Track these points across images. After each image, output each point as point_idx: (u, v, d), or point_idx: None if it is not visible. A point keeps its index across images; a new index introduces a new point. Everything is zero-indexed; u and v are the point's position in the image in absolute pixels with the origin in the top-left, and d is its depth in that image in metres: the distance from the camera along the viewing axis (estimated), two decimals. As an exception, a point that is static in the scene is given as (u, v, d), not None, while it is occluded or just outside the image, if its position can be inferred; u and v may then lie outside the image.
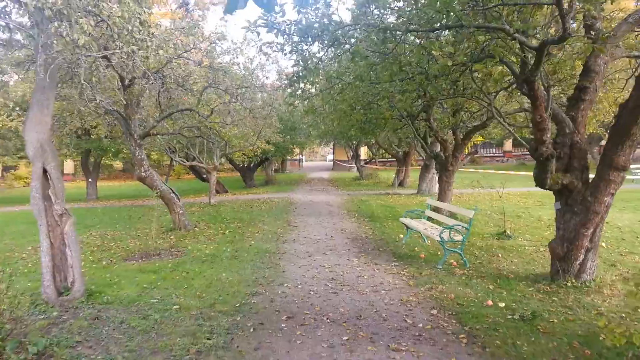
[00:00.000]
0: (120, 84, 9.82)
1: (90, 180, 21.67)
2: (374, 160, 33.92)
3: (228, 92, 10.35)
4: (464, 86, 7.92)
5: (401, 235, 9.56)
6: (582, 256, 5.75)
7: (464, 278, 6.46)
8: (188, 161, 16.75)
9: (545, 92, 5.59)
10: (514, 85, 6.10)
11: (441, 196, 11.27)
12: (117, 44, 5.58)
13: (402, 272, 6.87)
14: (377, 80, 7.82)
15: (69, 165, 41.18)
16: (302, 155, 52.98)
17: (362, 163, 31.09)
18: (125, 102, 10.10)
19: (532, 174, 6.14)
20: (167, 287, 6.26)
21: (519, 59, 5.31)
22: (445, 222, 8.44)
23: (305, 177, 33.67)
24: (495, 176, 24.38)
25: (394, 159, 43.11)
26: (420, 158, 23.35)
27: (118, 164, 43.59)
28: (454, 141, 10.88)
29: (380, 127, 12.89)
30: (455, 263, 7.26)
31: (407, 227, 9.06)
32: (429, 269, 7.00)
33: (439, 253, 7.94)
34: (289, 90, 7.57)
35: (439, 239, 7.23)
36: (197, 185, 26.55)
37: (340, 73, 8.67)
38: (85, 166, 22.01)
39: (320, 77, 8.96)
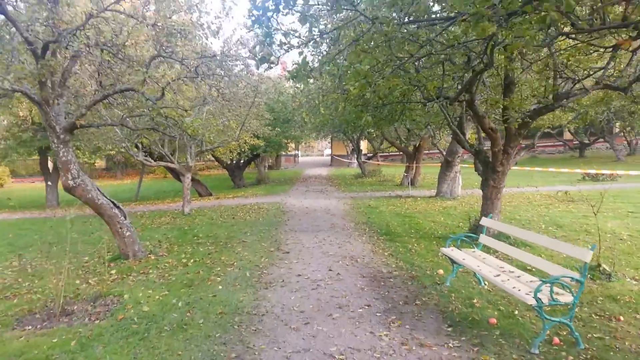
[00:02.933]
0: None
1: (49, 183, 18.48)
2: (376, 155, 30.85)
3: (184, 64, 7.20)
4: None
5: (441, 271, 6.49)
6: None
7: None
8: (154, 160, 13.62)
9: None
10: None
11: (486, 207, 8.20)
12: None
13: (472, 366, 3.83)
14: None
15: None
16: (298, 151, 49.85)
17: (363, 158, 27.97)
18: (39, 80, 7.00)
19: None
20: None
21: None
22: (514, 257, 5.40)
23: (302, 175, 30.55)
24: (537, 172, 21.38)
25: (397, 154, 40.35)
26: (436, 151, 20.31)
27: (99, 163, 40.23)
28: (505, 131, 7.79)
29: (398, 116, 9.82)
30: (558, 340, 4.20)
31: (453, 262, 5.99)
32: (515, 354, 3.96)
33: (518, 313, 4.89)
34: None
35: (528, 297, 4.16)
36: (180, 186, 23.28)
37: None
38: (43, 167, 18.83)
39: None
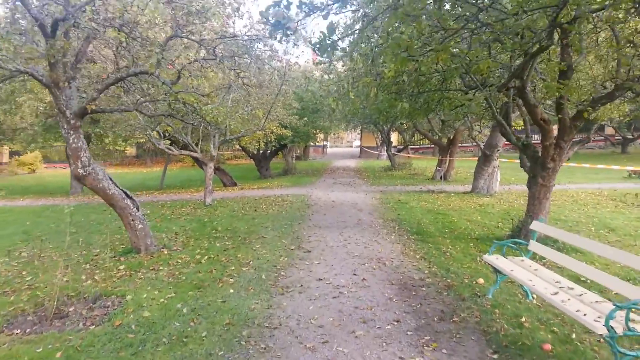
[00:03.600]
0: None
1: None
2: (407, 147, 29.84)
3: (203, 45, 6.57)
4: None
5: (481, 280, 5.71)
6: None
7: None
8: (178, 148, 13.16)
9: None
10: None
11: (533, 208, 7.33)
12: None
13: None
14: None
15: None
16: (327, 142, 49.12)
17: (393, 150, 27.01)
18: (48, 61, 6.55)
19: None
20: None
21: None
22: (565, 266, 4.58)
23: (329, 166, 29.85)
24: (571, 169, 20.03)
25: (429, 146, 39.06)
26: (470, 144, 19.23)
27: (130, 150, 40.42)
28: (558, 123, 6.86)
29: (435, 105, 8.98)
30: (633, 380, 3.40)
31: (497, 272, 5.20)
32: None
33: (575, 337, 4.09)
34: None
35: (597, 325, 3.37)
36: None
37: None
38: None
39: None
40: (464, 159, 26.37)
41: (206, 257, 7.25)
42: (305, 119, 17.70)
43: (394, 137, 34.57)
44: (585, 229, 8.52)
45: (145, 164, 40.97)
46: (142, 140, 15.70)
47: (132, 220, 7.60)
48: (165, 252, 7.71)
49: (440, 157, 18.86)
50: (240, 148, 23.06)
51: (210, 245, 8.12)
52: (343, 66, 9.30)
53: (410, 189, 15.95)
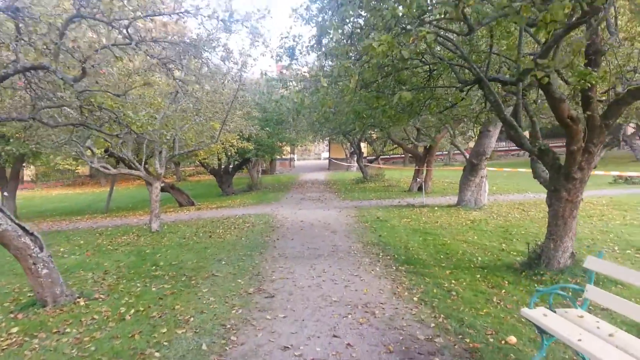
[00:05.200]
0: None
1: (5, 194, 15.94)
2: (378, 158, 28.44)
3: (115, 26, 4.76)
4: None
5: (512, 339, 4.07)
6: None
7: None
8: (116, 166, 11.15)
9: None
10: None
11: (557, 230, 5.79)
12: None
13: None
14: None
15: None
16: (294, 154, 47.38)
17: (365, 162, 25.51)
18: None
19: None
20: None
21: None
22: (619, 312, 3.01)
23: (297, 180, 28.08)
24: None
25: (399, 156, 37.92)
26: (441, 153, 17.94)
27: (81, 169, 37.40)
28: (586, 122, 5.36)
29: (420, 107, 7.41)
30: None
31: (542, 332, 3.55)
32: None
33: None
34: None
35: None
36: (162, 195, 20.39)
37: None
38: (0, 176, 16.30)
39: None
40: (437, 169, 25.14)
41: (133, 311, 5.36)
42: (268, 129, 15.93)
43: (363, 148, 33.21)
44: (608, 249, 7.08)
45: (100, 183, 38.11)
46: (68, 159, 13.55)
47: (34, 264, 5.65)
48: (82, 303, 5.79)
49: (416, 167, 17.41)
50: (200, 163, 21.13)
51: (143, 290, 6.23)
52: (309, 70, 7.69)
53: (388, 203, 14.36)
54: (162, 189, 16.95)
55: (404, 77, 6.09)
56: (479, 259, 6.99)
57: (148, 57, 5.65)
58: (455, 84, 6.84)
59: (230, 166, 21.63)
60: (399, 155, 37.34)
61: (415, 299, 5.33)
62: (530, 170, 6.58)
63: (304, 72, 7.78)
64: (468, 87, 6.64)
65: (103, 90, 5.26)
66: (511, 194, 15.20)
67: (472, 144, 22.93)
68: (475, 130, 11.26)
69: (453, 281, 5.92)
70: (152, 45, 6.51)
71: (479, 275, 6.13)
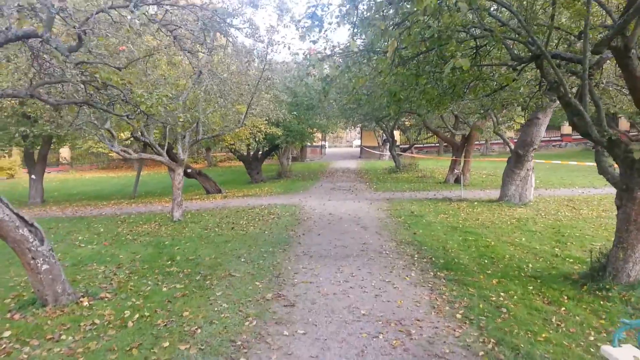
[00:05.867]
0: None
1: (33, 177, 15.89)
2: (412, 147, 27.38)
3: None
4: None
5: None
6: None
7: None
8: (139, 151, 10.70)
9: None
10: None
11: (627, 237, 4.88)
12: None
13: None
14: None
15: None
16: (325, 142, 46.60)
17: (398, 150, 24.49)
18: None
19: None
20: None
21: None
22: None
23: (328, 168, 27.35)
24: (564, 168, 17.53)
25: (434, 145, 36.58)
26: (496, 141, 16.85)
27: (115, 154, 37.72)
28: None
29: (464, 90, 6.53)
30: None
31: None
32: None
33: None
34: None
35: None
36: (190, 180, 19.90)
37: None
38: (28, 158, 16.24)
39: None
40: (474, 159, 23.91)
41: (137, 316, 4.80)
42: (295, 113, 15.19)
43: (397, 136, 32.14)
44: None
45: (133, 167, 38.45)
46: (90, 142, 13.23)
47: (33, 258, 5.16)
48: (85, 304, 5.28)
49: (454, 158, 16.37)
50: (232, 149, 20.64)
51: (153, 290, 5.67)
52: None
53: (422, 195, 13.47)
54: (189, 175, 16.62)
55: (450, 51, 5.24)
56: (530, 265, 6.11)
57: (151, 23, 4.94)
58: (507, 62, 5.93)
59: (260, 152, 21.09)
60: (434, 145, 36.04)
61: (458, 315, 4.55)
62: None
63: (334, 48, 7.00)
64: (523, 66, 5.74)
65: (100, 62, 4.64)
66: (557, 188, 14.05)
67: (509, 134, 21.63)
68: (525, 116, 10.17)
69: (502, 293, 5.10)
70: (160, 13, 5.89)
71: (531, 287, 5.28)
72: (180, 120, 7.09)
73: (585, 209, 10.05)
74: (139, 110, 5.64)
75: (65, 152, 35.71)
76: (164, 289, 5.70)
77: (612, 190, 5.27)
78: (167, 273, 6.43)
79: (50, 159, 36.93)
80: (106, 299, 5.48)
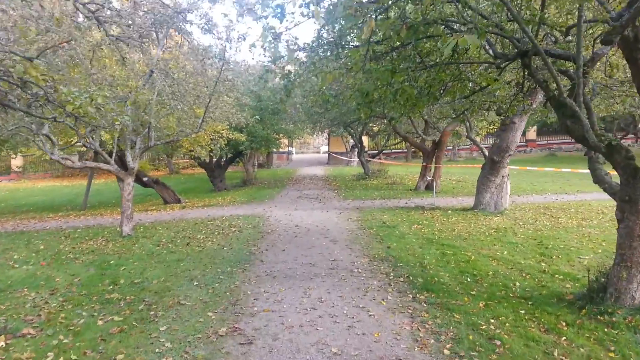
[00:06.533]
0: None
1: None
2: (380, 152, 26.98)
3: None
4: None
5: None
6: None
7: None
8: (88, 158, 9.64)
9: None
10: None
11: (631, 254, 4.33)
12: None
13: None
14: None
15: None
16: (292, 147, 45.83)
17: (366, 156, 23.97)
18: None
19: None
20: None
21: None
22: None
23: (294, 175, 26.58)
24: (535, 174, 17.44)
25: (401, 151, 36.42)
26: (464, 147, 16.53)
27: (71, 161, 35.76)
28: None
29: (441, 90, 5.92)
30: None
31: None
32: None
33: None
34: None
35: None
36: (148, 190, 18.43)
37: None
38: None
39: None
40: (443, 166, 23.67)
41: (60, 361, 3.90)
42: (257, 117, 14.40)
43: (365, 142, 31.73)
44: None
45: (87, 175, 36.54)
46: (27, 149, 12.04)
47: None
48: (1, 344, 4.31)
49: (424, 164, 15.90)
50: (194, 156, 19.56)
51: (87, 323, 4.76)
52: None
53: (393, 204, 12.88)
54: (146, 184, 15.52)
55: (426, 48, 4.61)
56: (517, 284, 5.52)
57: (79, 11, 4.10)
58: (489, 60, 5.36)
59: (223, 159, 20.13)
60: (402, 150, 35.90)
61: (446, 351, 3.86)
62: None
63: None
64: (507, 63, 5.18)
65: (5, 51, 3.75)
66: (530, 194, 13.76)
67: (478, 139, 21.47)
68: (505, 121, 9.71)
69: (491, 320, 4.46)
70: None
71: (523, 311, 4.66)
72: (117, 123, 6.18)
73: (564, 217, 9.65)
74: (67, 112, 4.74)
75: (17, 159, 33.60)
76: (100, 323, 4.79)
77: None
78: (107, 301, 5.51)
79: (0, 167, 34.77)
80: (29, 335, 4.54)
